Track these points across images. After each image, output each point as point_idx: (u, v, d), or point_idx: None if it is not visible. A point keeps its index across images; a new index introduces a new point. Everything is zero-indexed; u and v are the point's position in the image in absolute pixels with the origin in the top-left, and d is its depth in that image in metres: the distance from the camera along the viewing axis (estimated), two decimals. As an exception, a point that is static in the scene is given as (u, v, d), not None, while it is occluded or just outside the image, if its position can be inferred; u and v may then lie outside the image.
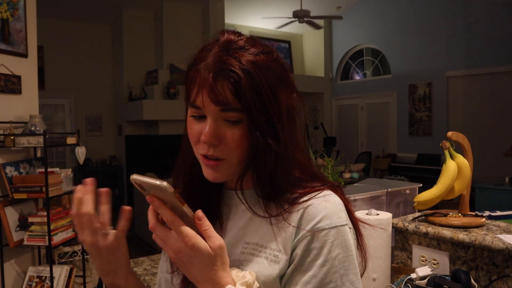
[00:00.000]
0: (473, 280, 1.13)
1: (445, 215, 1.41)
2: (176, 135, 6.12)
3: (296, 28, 8.36)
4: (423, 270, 1.19)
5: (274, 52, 0.67)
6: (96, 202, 0.67)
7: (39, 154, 2.98)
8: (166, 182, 0.56)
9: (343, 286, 0.61)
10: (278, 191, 0.67)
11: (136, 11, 7.21)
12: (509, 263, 1.18)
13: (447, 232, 1.31)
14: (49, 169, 2.64)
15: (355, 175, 5.44)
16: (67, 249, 2.95)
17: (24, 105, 2.84)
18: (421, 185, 1.90)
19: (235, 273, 0.62)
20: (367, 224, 0.74)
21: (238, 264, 0.66)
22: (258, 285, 0.62)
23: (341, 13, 8.15)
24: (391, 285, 1.30)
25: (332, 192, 0.68)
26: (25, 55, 2.83)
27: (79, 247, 3.01)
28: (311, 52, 9.69)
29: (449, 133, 1.46)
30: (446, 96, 7.21)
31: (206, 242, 0.59)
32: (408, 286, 1.18)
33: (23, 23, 2.80)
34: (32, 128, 2.67)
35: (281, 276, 0.63)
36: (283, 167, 0.66)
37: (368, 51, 8.80)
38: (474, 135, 6.29)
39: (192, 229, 0.59)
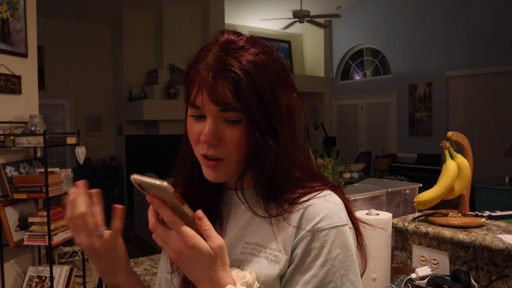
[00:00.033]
0: (473, 280, 1.13)
1: (445, 215, 1.41)
2: (176, 135, 6.10)
3: (296, 28, 8.36)
4: (423, 270, 1.19)
5: (274, 52, 0.67)
6: (89, 204, 0.67)
7: (39, 154, 2.98)
8: (166, 182, 0.56)
9: (343, 286, 0.61)
10: (278, 191, 0.67)
11: (136, 11, 7.21)
12: (509, 263, 1.18)
13: (447, 232, 1.31)
14: (49, 169, 2.64)
15: (355, 175, 5.44)
16: (67, 249, 2.95)
17: (24, 105, 2.84)
18: (421, 185, 1.90)
19: (235, 273, 0.62)
20: (367, 224, 0.73)
21: (238, 264, 0.66)
22: (258, 285, 0.62)
23: (341, 13, 8.14)
24: (391, 285, 1.30)
25: (332, 192, 0.68)
26: (25, 55, 2.83)
27: (79, 247, 3.00)
28: (311, 52, 9.69)
29: (449, 133, 1.46)
30: (446, 96, 7.21)
31: (206, 242, 0.59)
32: (408, 286, 1.18)
33: (23, 23, 2.80)
34: (32, 128, 2.67)
35: (281, 276, 0.63)
36: (283, 167, 0.66)
37: (368, 51, 8.80)
38: (474, 135, 6.29)
39: (192, 229, 0.59)
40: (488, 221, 1.41)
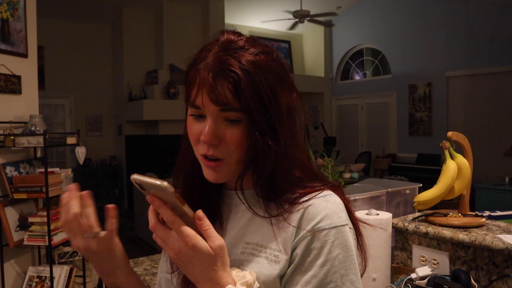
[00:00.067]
0: (473, 280, 1.13)
1: (445, 215, 1.41)
2: (176, 135, 6.11)
3: (296, 28, 8.36)
4: (423, 270, 1.19)
5: (274, 52, 0.67)
6: (82, 206, 0.67)
7: (39, 154, 2.98)
8: (166, 182, 0.56)
9: (343, 286, 0.61)
10: (278, 191, 0.67)
11: (136, 11, 7.21)
12: (509, 263, 1.18)
13: (447, 232, 1.31)
14: (49, 169, 2.64)
15: (355, 175, 5.44)
16: (67, 249, 2.95)
17: (24, 105, 2.84)
18: (421, 185, 1.90)
19: (235, 273, 0.62)
20: (367, 224, 0.73)
21: (239, 264, 0.66)
22: (258, 285, 0.62)
23: (341, 13, 8.15)
24: (391, 285, 1.30)
25: (332, 192, 0.68)
26: (25, 55, 2.83)
27: (77, 250, 3.00)
28: (311, 52, 9.69)
29: (449, 133, 1.46)
30: (446, 96, 7.21)
31: (207, 242, 0.59)
32: (408, 286, 1.18)
33: (23, 23, 2.80)
34: (32, 128, 2.67)
35: (281, 276, 0.63)
36: (283, 167, 0.66)
37: (368, 51, 8.80)
38: (474, 135, 6.29)
39: (193, 229, 0.59)
40: (488, 221, 1.41)
